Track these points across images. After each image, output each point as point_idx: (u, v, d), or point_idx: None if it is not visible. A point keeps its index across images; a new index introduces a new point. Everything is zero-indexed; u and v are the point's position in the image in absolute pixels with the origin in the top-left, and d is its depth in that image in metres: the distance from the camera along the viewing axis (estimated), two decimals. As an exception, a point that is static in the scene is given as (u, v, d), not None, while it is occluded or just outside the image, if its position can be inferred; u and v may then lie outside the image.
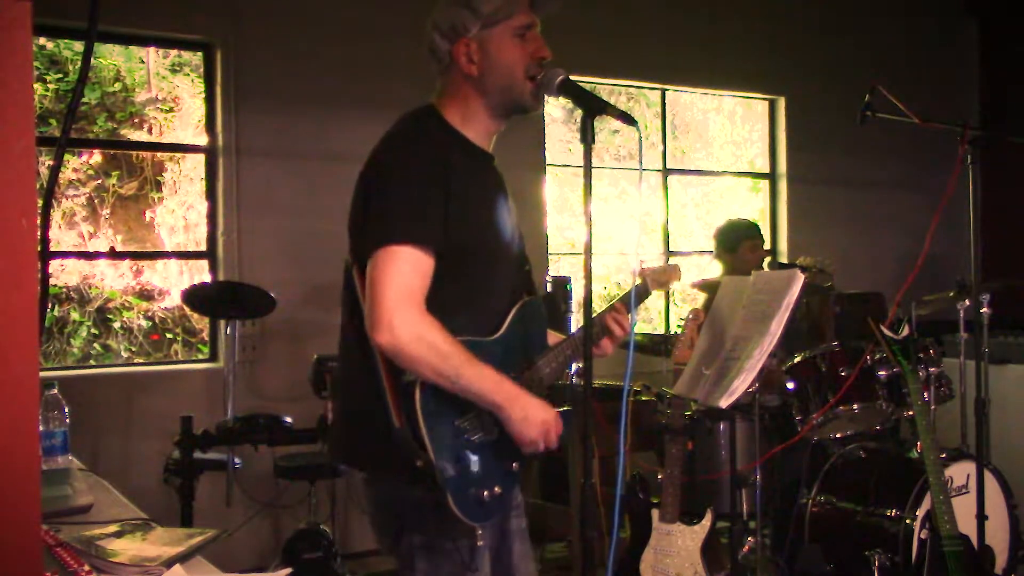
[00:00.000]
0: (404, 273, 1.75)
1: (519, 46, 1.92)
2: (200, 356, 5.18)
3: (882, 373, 3.59)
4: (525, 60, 1.92)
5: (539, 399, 1.88)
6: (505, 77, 1.92)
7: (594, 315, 2.12)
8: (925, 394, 3.57)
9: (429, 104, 1.98)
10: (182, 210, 5.31)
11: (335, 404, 2.05)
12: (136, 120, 5.22)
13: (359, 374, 1.85)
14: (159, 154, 5.29)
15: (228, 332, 4.29)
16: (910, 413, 3.55)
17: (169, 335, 5.34)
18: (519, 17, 1.92)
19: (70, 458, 2.14)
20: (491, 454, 1.86)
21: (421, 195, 1.80)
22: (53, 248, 4.74)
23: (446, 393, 1.78)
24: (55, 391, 2.10)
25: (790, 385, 3.70)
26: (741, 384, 2.58)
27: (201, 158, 5.00)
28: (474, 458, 1.83)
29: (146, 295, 5.30)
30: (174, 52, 5.22)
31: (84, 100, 4.80)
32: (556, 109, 6.19)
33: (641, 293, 2.20)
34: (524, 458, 1.95)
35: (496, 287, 1.97)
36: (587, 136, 1.79)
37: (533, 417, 1.84)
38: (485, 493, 1.82)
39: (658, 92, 6.34)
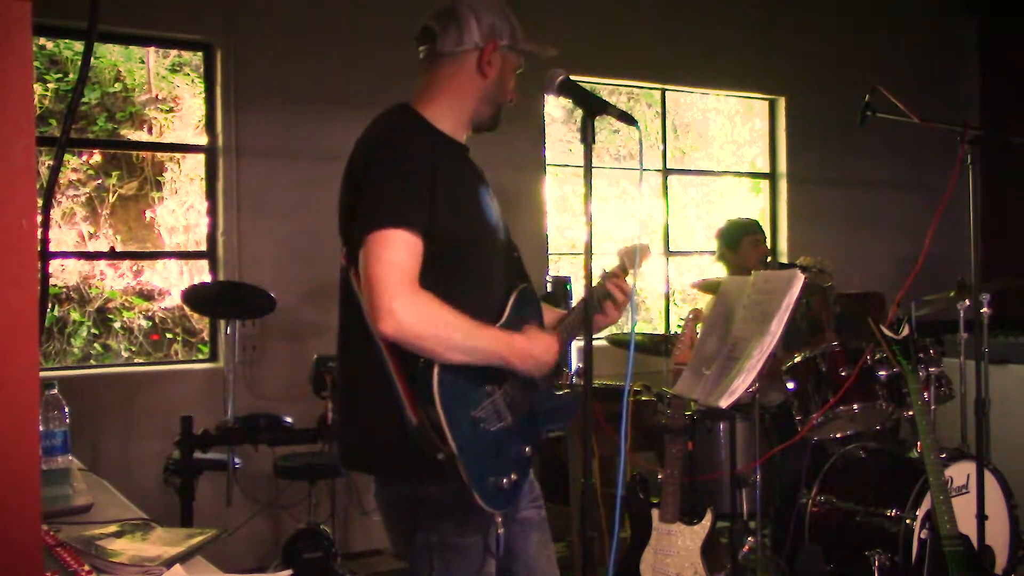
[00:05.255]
0: (396, 257, 1.75)
1: (512, 79, 2.04)
2: (200, 356, 5.18)
3: (882, 373, 3.59)
4: (509, 94, 2.04)
5: (539, 337, 1.92)
6: (499, 96, 2.01)
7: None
8: (925, 394, 3.57)
9: (404, 103, 2.00)
10: (182, 210, 5.31)
11: (339, 410, 2.04)
12: (136, 120, 5.22)
13: (365, 376, 1.85)
14: (159, 154, 5.29)
15: (228, 332, 4.29)
16: (910, 413, 3.55)
17: (169, 335, 5.34)
18: (521, 59, 2.04)
19: (70, 458, 2.14)
20: (506, 441, 1.87)
21: (404, 182, 1.81)
22: (53, 248, 4.74)
23: (461, 384, 1.79)
24: (55, 391, 2.10)
25: (790, 385, 3.70)
26: (741, 384, 2.57)
27: (201, 158, 5.00)
28: (490, 447, 1.84)
29: (146, 295, 5.30)
30: (174, 52, 5.22)
31: (84, 100, 4.80)
32: (556, 109, 6.19)
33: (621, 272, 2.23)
34: (536, 443, 1.97)
35: (492, 276, 1.99)
36: (587, 136, 1.80)
37: (542, 360, 1.91)
38: (504, 480, 1.83)
39: (658, 92, 6.34)
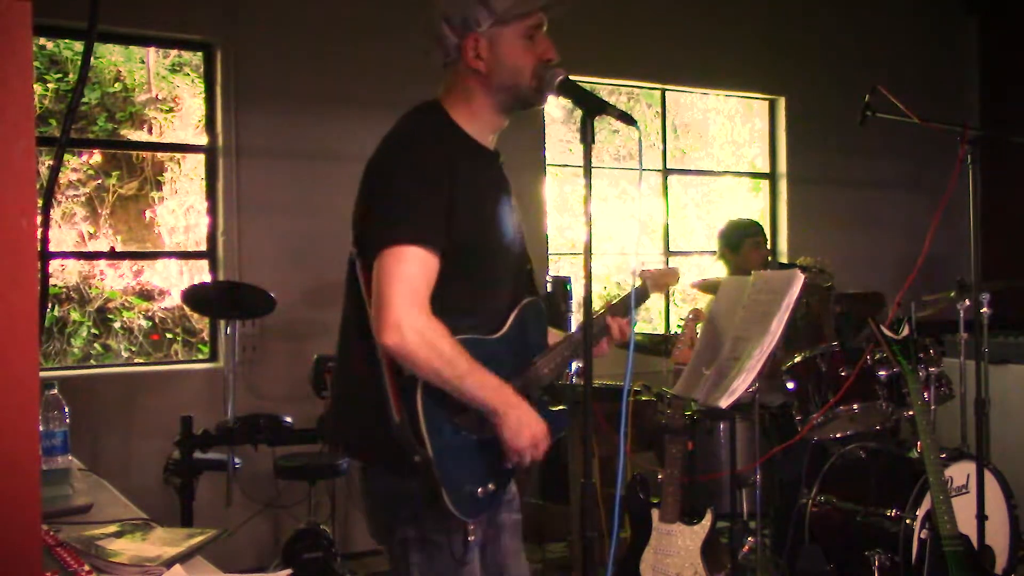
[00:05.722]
0: (411, 274, 1.75)
1: (528, 47, 1.91)
2: (200, 356, 5.18)
3: (882, 373, 3.59)
4: (532, 62, 1.91)
5: (534, 411, 1.87)
6: (511, 76, 1.91)
7: (593, 315, 2.13)
8: (925, 394, 3.57)
9: (435, 100, 1.97)
10: (182, 210, 5.31)
11: (333, 394, 2.04)
12: (136, 120, 5.22)
13: (360, 364, 1.85)
14: (159, 154, 5.29)
15: (228, 332, 4.29)
16: (910, 413, 3.55)
17: (169, 335, 5.34)
18: (531, 18, 1.91)
19: (70, 458, 2.14)
20: (487, 451, 1.87)
21: (427, 195, 1.80)
22: (53, 248, 4.74)
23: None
24: (55, 391, 2.10)
25: (790, 385, 3.70)
26: (741, 384, 2.57)
27: (201, 158, 5.00)
28: (470, 455, 1.84)
29: (146, 295, 5.30)
30: (174, 52, 5.22)
31: (84, 100, 4.80)
32: (556, 109, 6.19)
33: (641, 295, 2.22)
34: None
35: (498, 286, 1.97)
36: (587, 136, 1.79)
37: (526, 428, 1.83)
38: (480, 490, 1.83)
39: (658, 92, 6.34)
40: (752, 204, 6.78)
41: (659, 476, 3.29)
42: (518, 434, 1.82)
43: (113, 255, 5.09)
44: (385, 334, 1.72)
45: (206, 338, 5.13)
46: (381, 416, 1.77)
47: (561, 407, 2.00)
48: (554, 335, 2.18)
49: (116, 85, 5.18)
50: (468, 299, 1.88)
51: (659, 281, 2.34)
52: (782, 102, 6.60)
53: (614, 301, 2.20)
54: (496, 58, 1.90)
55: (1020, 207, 6.51)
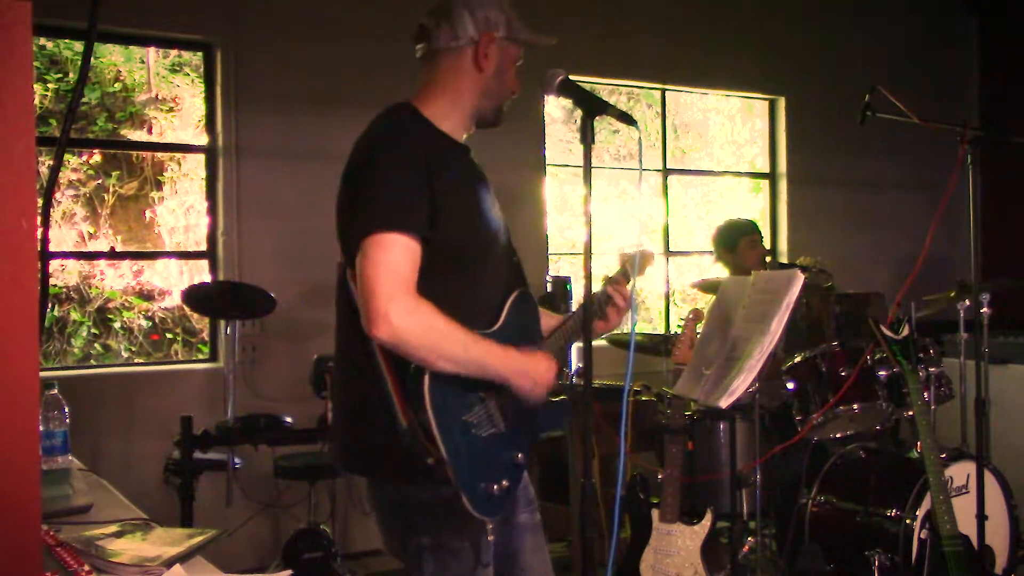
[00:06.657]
0: (394, 262, 1.73)
1: (511, 72, 2.00)
2: (200, 356, 5.18)
3: (882, 373, 3.59)
4: (508, 87, 2.00)
5: (538, 357, 1.90)
6: (498, 89, 1.98)
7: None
8: (925, 394, 3.57)
9: (405, 102, 1.98)
10: (182, 210, 5.31)
11: (334, 409, 2.03)
12: (136, 120, 5.22)
13: (360, 377, 1.84)
14: (159, 154, 5.29)
15: (228, 332, 4.29)
16: (910, 413, 3.55)
17: (169, 335, 5.34)
18: (520, 49, 2.01)
19: (70, 458, 2.14)
20: (498, 447, 1.86)
21: (404, 184, 1.79)
22: (53, 248, 4.74)
23: (453, 389, 1.78)
24: (55, 391, 2.10)
25: (790, 385, 3.70)
26: (741, 384, 2.58)
27: (201, 158, 5.00)
28: (482, 452, 1.82)
29: (146, 295, 5.30)
30: (174, 52, 5.22)
31: (84, 100, 4.80)
32: (556, 109, 6.19)
33: (624, 274, 2.23)
34: (528, 450, 1.97)
35: (490, 279, 1.96)
36: (587, 136, 1.80)
37: (541, 383, 1.89)
38: (495, 487, 1.82)
39: (658, 92, 6.34)
40: (752, 204, 6.78)
41: (659, 476, 3.29)
42: (534, 390, 1.89)
43: (113, 255, 5.09)
44: (375, 326, 1.70)
45: (206, 338, 5.13)
46: (387, 425, 1.76)
47: (562, 396, 2.00)
48: (548, 317, 2.18)
49: (116, 85, 5.18)
50: (462, 294, 1.87)
51: (635, 263, 2.36)
52: (782, 102, 6.60)
53: (611, 276, 2.21)
54: (495, 67, 1.95)
55: (1020, 207, 6.51)
